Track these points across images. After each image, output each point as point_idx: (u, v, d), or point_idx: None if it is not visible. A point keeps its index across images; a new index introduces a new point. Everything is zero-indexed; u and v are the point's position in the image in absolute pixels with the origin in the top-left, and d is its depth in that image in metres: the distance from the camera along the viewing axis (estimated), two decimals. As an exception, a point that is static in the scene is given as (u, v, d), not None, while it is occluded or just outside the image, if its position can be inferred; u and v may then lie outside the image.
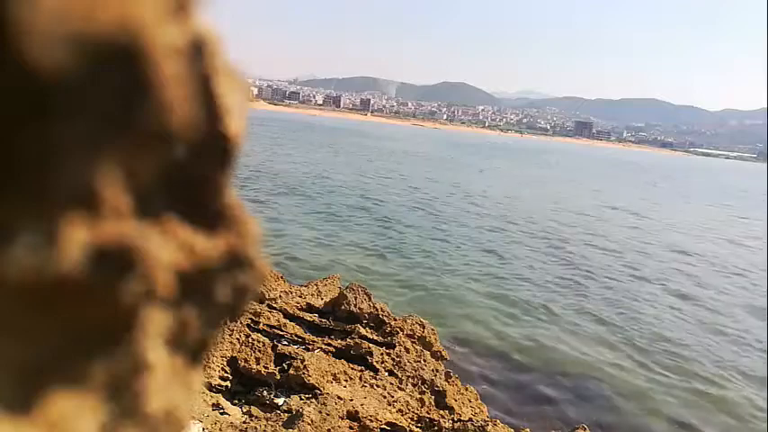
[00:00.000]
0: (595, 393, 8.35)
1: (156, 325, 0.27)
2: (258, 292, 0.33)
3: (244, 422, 4.53)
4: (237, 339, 5.46)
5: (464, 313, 10.76)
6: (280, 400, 4.97)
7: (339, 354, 5.87)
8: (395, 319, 6.76)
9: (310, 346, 5.89)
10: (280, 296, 6.78)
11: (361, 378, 5.54)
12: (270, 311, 6.27)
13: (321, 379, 5.19)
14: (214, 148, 0.28)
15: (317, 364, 5.29)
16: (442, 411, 5.40)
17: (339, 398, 4.95)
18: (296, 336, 6.05)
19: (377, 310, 6.79)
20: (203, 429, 4.27)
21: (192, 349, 0.30)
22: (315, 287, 7.43)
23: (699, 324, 12.07)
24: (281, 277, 7.55)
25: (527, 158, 78.18)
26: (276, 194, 21.53)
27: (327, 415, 4.60)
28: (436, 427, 5.01)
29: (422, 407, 5.39)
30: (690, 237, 23.31)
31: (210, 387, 5.05)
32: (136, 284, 0.25)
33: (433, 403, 5.48)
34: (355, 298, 6.80)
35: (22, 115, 0.22)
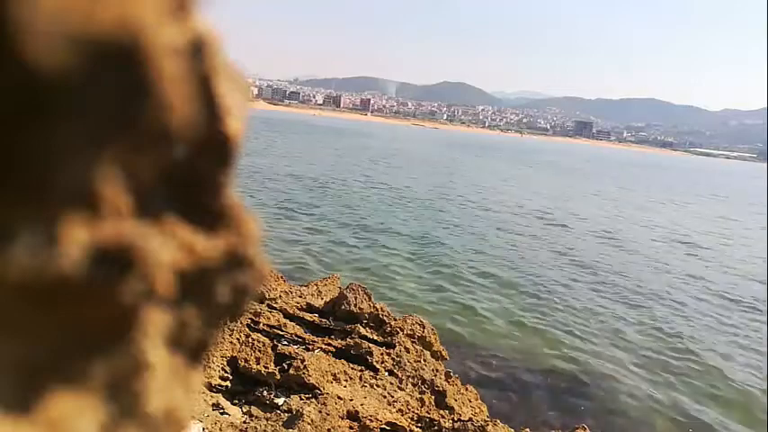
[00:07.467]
0: (596, 393, 8.35)
1: (156, 325, 0.27)
2: (258, 292, 0.33)
3: (244, 422, 4.53)
4: (237, 339, 5.46)
5: (464, 313, 10.76)
6: (280, 400, 4.96)
7: (339, 354, 5.87)
8: (395, 319, 6.75)
9: (310, 346, 5.89)
10: (280, 296, 6.77)
11: (361, 378, 5.54)
12: (270, 311, 6.26)
13: (321, 379, 5.19)
14: (214, 148, 0.28)
15: (317, 364, 5.29)
16: (442, 411, 5.40)
17: (339, 398, 4.95)
18: (296, 336, 6.04)
19: (377, 309, 6.78)
20: (203, 429, 4.27)
21: (192, 349, 0.30)
22: (315, 287, 7.42)
23: (700, 319, 12.08)
24: (281, 277, 7.54)
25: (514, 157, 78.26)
26: (274, 193, 21.54)
27: (327, 415, 4.60)
28: (436, 427, 5.01)
29: (422, 407, 5.39)
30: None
31: (210, 387, 5.05)
32: (136, 284, 0.25)
33: (433, 403, 5.48)
34: (355, 298, 6.79)
35: (23, 115, 0.22)
